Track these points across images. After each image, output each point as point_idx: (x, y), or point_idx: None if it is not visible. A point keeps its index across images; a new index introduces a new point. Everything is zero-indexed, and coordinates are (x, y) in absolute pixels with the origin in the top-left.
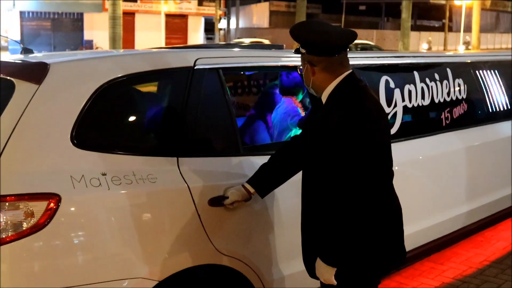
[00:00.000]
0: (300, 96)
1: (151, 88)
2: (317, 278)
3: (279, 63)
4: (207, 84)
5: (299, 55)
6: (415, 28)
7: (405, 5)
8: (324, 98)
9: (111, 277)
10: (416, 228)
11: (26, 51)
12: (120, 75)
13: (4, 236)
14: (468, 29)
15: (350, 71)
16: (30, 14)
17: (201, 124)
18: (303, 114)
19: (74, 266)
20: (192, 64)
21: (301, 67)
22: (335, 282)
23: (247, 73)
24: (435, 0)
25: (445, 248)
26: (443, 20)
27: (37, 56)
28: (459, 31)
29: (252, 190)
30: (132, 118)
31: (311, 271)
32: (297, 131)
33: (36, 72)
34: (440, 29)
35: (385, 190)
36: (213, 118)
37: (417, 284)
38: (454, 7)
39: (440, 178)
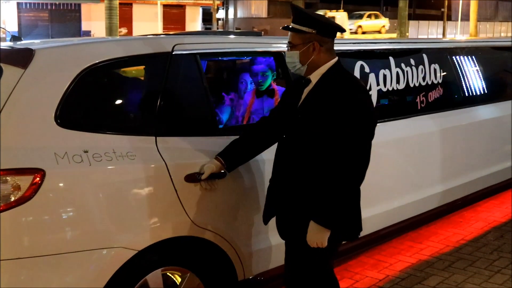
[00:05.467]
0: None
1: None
2: (287, 239)
3: (255, 49)
4: (184, 69)
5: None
6: (414, 17)
7: None
8: (315, 77)
9: (92, 246)
10: (388, 207)
11: (14, 38)
12: (101, 60)
13: None
14: (467, 18)
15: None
16: (28, 5)
17: (178, 106)
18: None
19: (57, 235)
20: (170, 50)
21: (288, 46)
22: (326, 245)
23: (224, 58)
24: None
25: (420, 227)
26: (442, 9)
27: (24, 42)
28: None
29: (222, 162)
30: (112, 100)
31: (284, 233)
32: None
33: (22, 57)
34: (440, 18)
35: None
36: (190, 100)
37: (395, 261)
38: None
39: (414, 159)
